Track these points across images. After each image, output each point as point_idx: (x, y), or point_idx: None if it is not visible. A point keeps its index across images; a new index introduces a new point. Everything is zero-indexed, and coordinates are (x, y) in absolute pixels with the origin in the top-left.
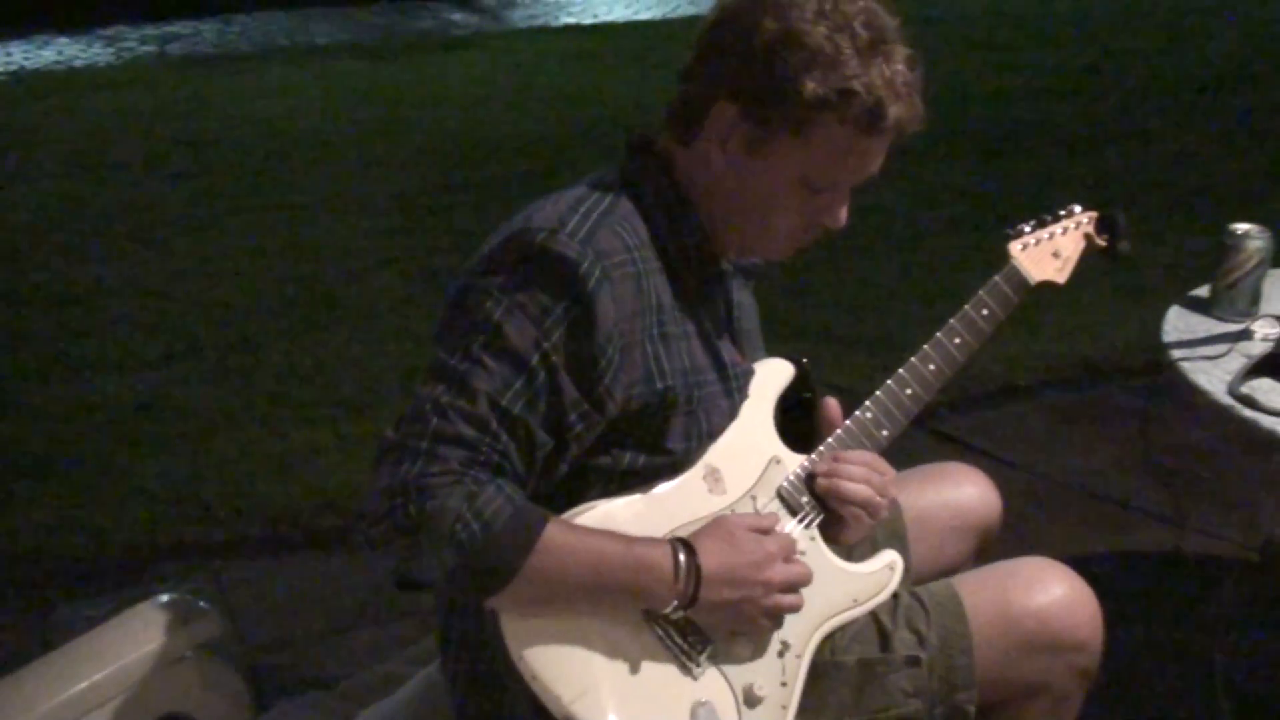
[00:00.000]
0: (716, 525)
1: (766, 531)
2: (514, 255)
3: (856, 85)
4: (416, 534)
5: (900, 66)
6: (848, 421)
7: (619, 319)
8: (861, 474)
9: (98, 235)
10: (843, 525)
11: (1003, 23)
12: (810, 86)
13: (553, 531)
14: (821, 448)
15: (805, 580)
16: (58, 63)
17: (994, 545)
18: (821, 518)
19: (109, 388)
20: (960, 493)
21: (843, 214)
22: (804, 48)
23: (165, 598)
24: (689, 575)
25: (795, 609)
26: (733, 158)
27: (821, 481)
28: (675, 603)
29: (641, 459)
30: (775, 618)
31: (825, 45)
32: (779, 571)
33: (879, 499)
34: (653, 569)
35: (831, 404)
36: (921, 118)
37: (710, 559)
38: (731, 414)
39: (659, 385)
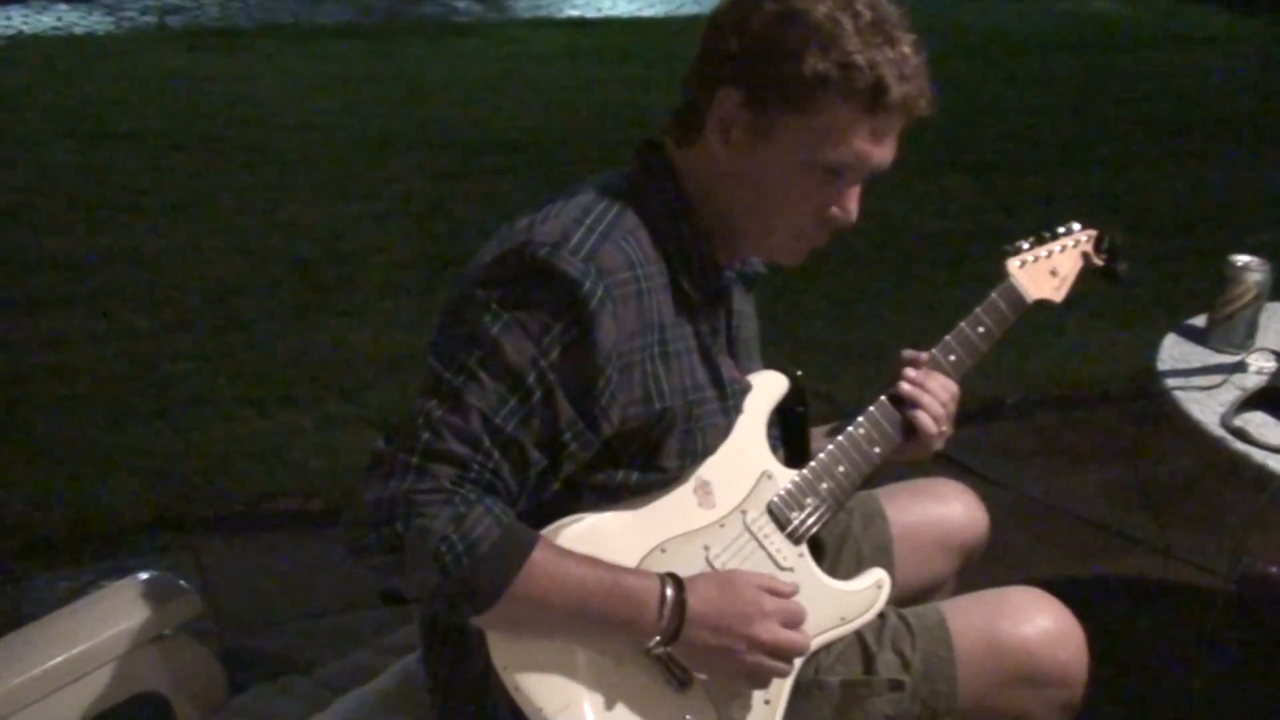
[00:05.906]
0: (721, 573)
1: (775, 592)
2: (515, 269)
3: (858, 60)
4: (401, 550)
5: (906, 49)
6: (839, 436)
7: (619, 339)
8: (944, 397)
9: (89, 203)
10: (911, 440)
11: (1003, 38)
12: (810, 62)
13: (539, 556)
14: (813, 462)
15: (800, 650)
16: (57, 29)
17: (976, 563)
18: (813, 533)
19: (94, 358)
20: (948, 509)
21: (853, 206)
22: (804, 25)
23: (144, 576)
24: (673, 611)
25: (780, 675)
26: (736, 146)
27: (906, 387)
28: (657, 638)
29: (635, 476)
30: (758, 678)
31: (825, 22)
32: (769, 631)
33: (945, 426)
34: (637, 601)
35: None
36: (930, 99)
37: (699, 600)
38: (727, 432)
39: (657, 405)
